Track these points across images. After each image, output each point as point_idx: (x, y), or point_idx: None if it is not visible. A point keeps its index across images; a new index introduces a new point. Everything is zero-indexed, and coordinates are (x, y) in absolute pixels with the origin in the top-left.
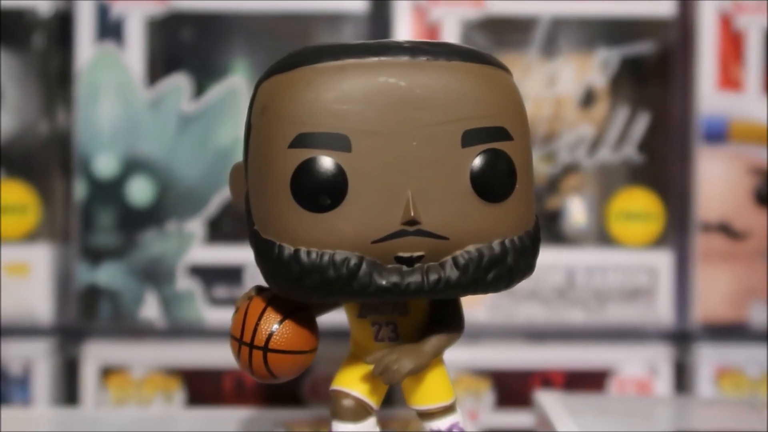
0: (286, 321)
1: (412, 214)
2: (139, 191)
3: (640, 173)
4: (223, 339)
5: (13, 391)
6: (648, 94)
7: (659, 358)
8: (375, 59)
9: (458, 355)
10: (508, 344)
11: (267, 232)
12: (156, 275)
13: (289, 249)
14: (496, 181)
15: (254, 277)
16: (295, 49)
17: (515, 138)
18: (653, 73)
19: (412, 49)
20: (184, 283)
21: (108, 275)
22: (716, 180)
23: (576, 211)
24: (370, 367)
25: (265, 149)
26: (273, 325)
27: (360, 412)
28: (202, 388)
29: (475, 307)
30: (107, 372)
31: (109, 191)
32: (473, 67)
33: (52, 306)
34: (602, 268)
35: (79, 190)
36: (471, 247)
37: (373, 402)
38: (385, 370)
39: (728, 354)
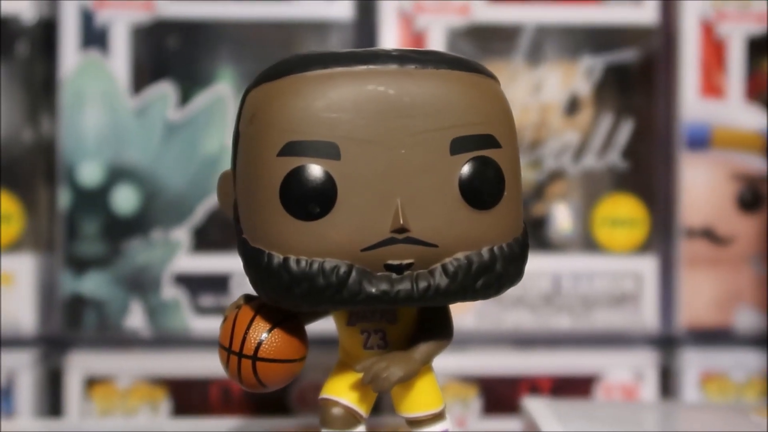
0: (275, 329)
1: (402, 221)
2: (125, 200)
3: (624, 180)
4: (210, 348)
5: None
6: (632, 101)
7: (645, 363)
8: (364, 67)
9: (445, 361)
10: (495, 351)
11: (256, 240)
12: (141, 284)
13: (278, 257)
14: (484, 189)
15: (241, 286)
16: (284, 58)
17: (503, 145)
18: (637, 80)
19: (401, 57)
20: (170, 292)
21: (93, 285)
22: (700, 186)
23: (561, 217)
24: (359, 375)
25: (253, 157)
26: (262, 334)
27: (349, 420)
28: (189, 398)
29: (462, 314)
30: (92, 382)
31: (93, 200)
32: (461, 75)
33: (36, 316)
34: (588, 274)
35: (64, 198)
36: (460, 255)
37: (362, 410)
38: (374, 378)
39: (713, 359)
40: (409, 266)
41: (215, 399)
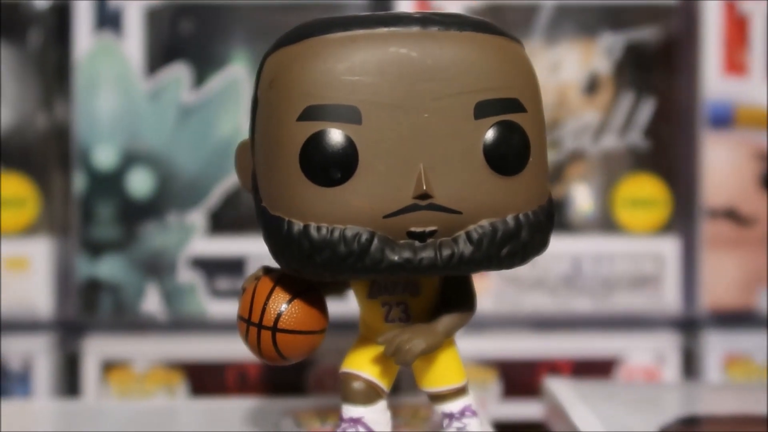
0: (295, 300)
1: (424, 187)
2: (140, 183)
3: (645, 159)
4: (227, 332)
5: (14, 387)
6: (653, 79)
7: (667, 346)
8: (386, 30)
9: (464, 345)
10: (514, 334)
11: (275, 208)
12: (157, 268)
13: (298, 225)
14: (509, 154)
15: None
16: (304, 22)
17: (529, 110)
18: (658, 58)
19: (423, 19)
20: (186, 275)
21: (109, 268)
22: (722, 166)
23: (581, 198)
24: (380, 349)
25: (273, 123)
26: (282, 304)
27: (371, 394)
28: (205, 381)
29: (481, 297)
30: (109, 366)
31: (108, 183)
32: (485, 37)
33: (52, 300)
34: (608, 255)
35: (79, 182)
36: (485, 222)
37: (383, 384)
38: (396, 350)
39: (736, 341)
40: (432, 234)
41: (232, 382)
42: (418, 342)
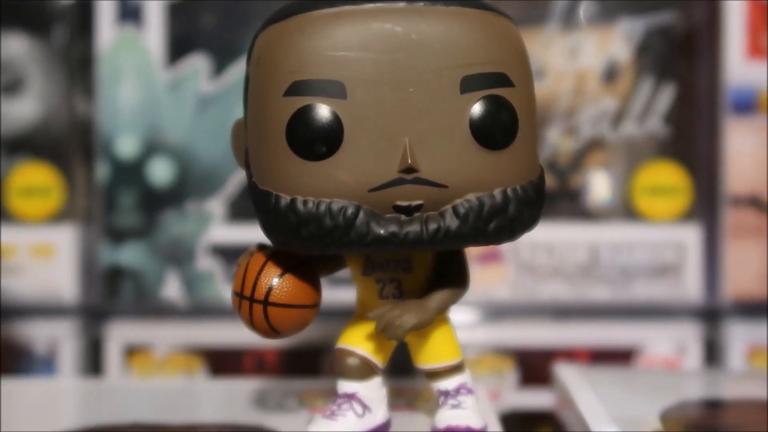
0: (287, 275)
1: (410, 161)
2: (160, 172)
3: (666, 146)
4: None
5: (39, 371)
6: (673, 65)
7: (688, 336)
8: (371, 6)
9: (481, 333)
10: (531, 322)
11: (264, 182)
12: (177, 255)
13: (285, 199)
14: (496, 128)
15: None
16: (290, 1)
17: (517, 84)
18: (678, 43)
19: None
20: (205, 262)
21: (130, 255)
22: (746, 152)
23: (600, 185)
24: (374, 325)
25: (260, 99)
26: (273, 279)
27: (365, 370)
28: (224, 366)
29: (497, 285)
30: (131, 351)
31: (130, 173)
32: (472, 12)
33: (76, 286)
34: (628, 244)
35: (102, 172)
36: (471, 196)
37: (378, 361)
38: (387, 325)
39: (760, 332)
40: (418, 208)
41: (249, 367)
42: (409, 317)
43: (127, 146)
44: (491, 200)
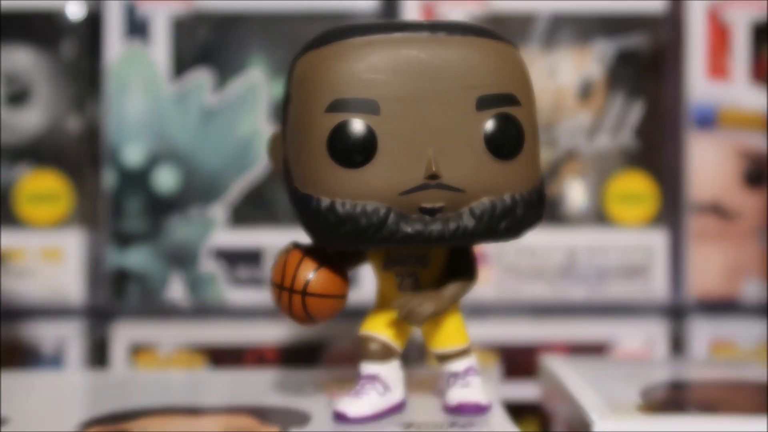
0: (321, 269)
1: (434, 169)
2: (165, 180)
3: (635, 158)
4: (246, 317)
5: (47, 369)
6: (642, 83)
7: (656, 332)
8: (399, 35)
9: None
10: (514, 320)
11: (306, 187)
12: (181, 258)
13: (326, 201)
14: (506, 141)
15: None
16: (328, 29)
17: (522, 104)
18: (647, 64)
19: (431, 26)
20: (208, 265)
21: (136, 259)
22: (707, 163)
23: (576, 193)
24: (394, 314)
25: (304, 115)
26: (310, 272)
27: (386, 354)
28: (225, 363)
29: (483, 286)
30: (136, 350)
31: (136, 180)
32: (485, 41)
33: (83, 288)
34: (601, 247)
35: (109, 179)
36: (485, 199)
37: (397, 345)
38: (409, 313)
39: (721, 327)
40: (440, 209)
41: (250, 364)
42: (428, 305)
43: (133, 155)
44: (502, 203)
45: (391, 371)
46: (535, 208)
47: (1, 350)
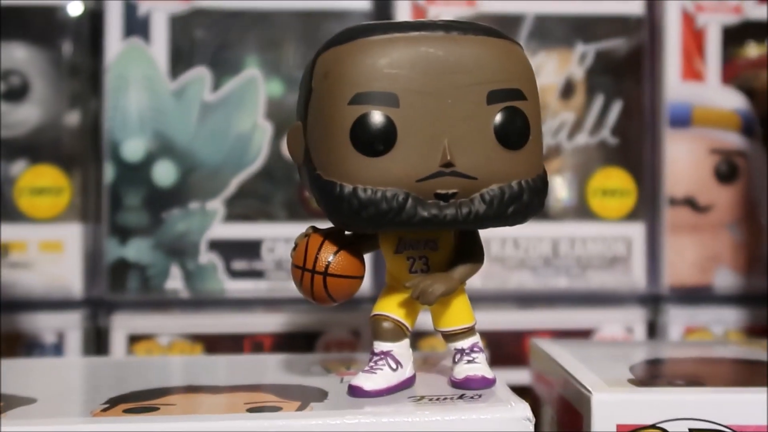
0: (341, 251)
1: (449, 157)
2: (165, 173)
3: (614, 154)
4: (243, 307)
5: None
6: (621, 84)
7: (634, 319)
8: (417, 33)
9: None
10: (500, 309)
11: (329, 174)
12: (180, 250)
13: (348, 187)
14: (514, 132)
15: (272, 251)
16: (350, 26)
17: (528, 98)
18: (625, 65)
19: (446, 26)
20: (207, 257)
21: (136, 251)
22: (682, 160)
23: (559, 188)
24: (406, 295)
25: (327, 106)
26: (330, 255)
27: (398, 332)
28: (224, 351)
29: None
30: (135, 339)
31: (136, 174)
32: (495, 40)
33: (83, 280)
34: (583, 239)
35: (109, 173)
36: (495, 186)
37: (408, 323)
38: (421, 292)
39: (695, 315)
40: (453, 195)
41: (248, 352)
42: (439, 286)
43: (133, 149)
44: (510, 190)
45: (402, 348)
46: (540, 194)
47: (2, 341)
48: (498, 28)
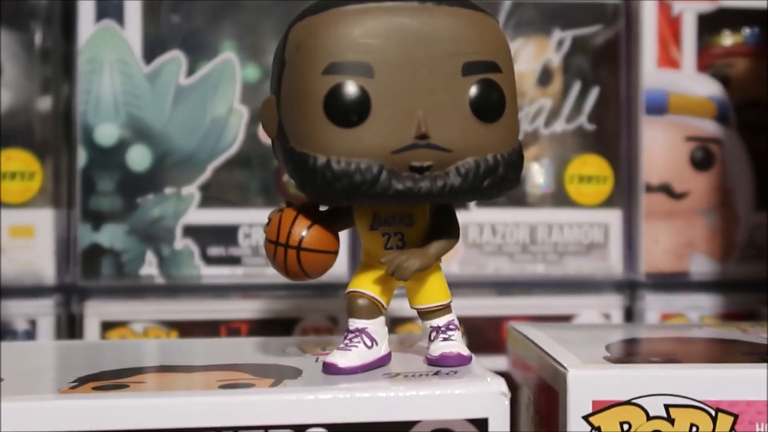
0: (315, 226)
1: (423, 129)
2: (139, 158)
3: (591, 141)
4: (219, 293)
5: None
6: (598, 71)
7: (611, 305)
8: (391, 3)
9: None
10: (478, 295)
11: (302, 146)
12: (155, 236)
13: (322, 159)
14: (489, 105)
15: (248, 237)
16: None
17: (504, 71)
18: (602, 53)
19: None
20: (182, 243)
21: (110, 236)
22: (658, 147)
23: (536, 174)
24: (381, 272)
25: (301, 77)
26: (304, 228)
27: (373, 309)
28: (200, 337)
29: (448, 262)
30: (109, 326)
31: (110, 158)
32: (470, 12)
33: (56, 266)
34: (560, 225)
35: (82, 157)
36: (470, 159)
37: (383, 300)
38: (397, 268)
39: (671, 301)
40: (428, 168)
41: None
42: (414, 261)
43: (106, 133)
44: (485, 162)
45: (377, 326)
46: (516, 168)
47: None
48: (472, 1)
